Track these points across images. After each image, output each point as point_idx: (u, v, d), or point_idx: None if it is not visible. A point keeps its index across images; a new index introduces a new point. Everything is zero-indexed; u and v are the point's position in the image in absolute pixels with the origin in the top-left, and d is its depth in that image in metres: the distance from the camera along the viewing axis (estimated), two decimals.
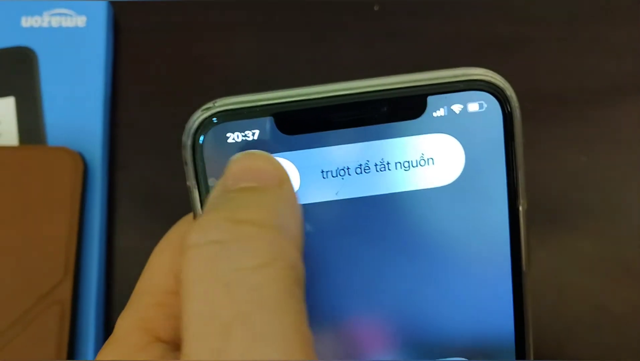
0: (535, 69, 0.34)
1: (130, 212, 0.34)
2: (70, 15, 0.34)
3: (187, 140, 0.17)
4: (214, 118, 0.17)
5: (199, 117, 0.17)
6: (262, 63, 0.36)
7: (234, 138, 0.17)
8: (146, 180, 0.35)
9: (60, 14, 0.34)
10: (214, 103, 0.17)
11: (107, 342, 0.18)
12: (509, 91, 0.17)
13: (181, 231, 0.19)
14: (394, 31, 0.36)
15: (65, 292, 0.28)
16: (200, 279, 0.14)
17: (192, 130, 0.17)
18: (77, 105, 0.33)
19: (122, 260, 0.33)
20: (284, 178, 0.16)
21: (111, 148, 0.35)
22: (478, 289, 0.18)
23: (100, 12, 0.34)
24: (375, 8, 0.36)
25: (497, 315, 0.18)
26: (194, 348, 0.13)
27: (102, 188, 0.33)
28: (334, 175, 0.17)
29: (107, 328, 0.32)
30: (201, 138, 0.17)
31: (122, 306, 0.34)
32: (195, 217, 0.17)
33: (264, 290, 0.13)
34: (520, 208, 0.17)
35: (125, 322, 0.19)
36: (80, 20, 0.34)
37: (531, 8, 0.35)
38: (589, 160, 0.33)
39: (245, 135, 0.17)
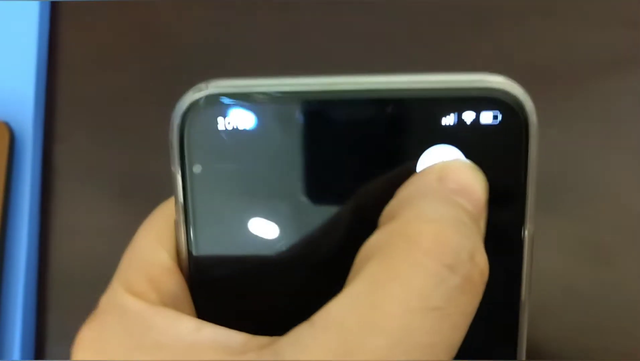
0: (514, 42, 0.32)
1: (71, 188, 0.32)
2: None
3: (175, 121, 0.16)
4: (206, 101, 0.15)
5: (189, 97, 0.16)
6: (215, 31, 0.33)
7: (224, 125, 0.16)
8: (89, 153, 0.32)
9: None
10: (206, 85, 0.16)
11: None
12: (529, 105, 0.15)
13: (167, 216, 0.17)
14: (372, 1, 0.33)
15: None
16: (414, 286, 0.13)
17: (182, 112, 0.16)
18: (5, 72, 0.30)
19: (61, 238, 0.31)
20: None
21: (49, 119, 0.32)
22: None
23: None
24: None
25: (490, 339, 0.17)
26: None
27: (35, 162, 0.30)
28: None
29: (39, 322, 0.29)
30: (190, 120, 0.16)
31: (61, 290, 0.32)
32: (176, 204, 0.16)
33: (454, 336, 0.13)
34: (527, 233, 0.16)
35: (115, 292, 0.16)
36: None
37: None
38: (563, 137, 0.31)
39: (237, 123, 0.16)
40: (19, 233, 0.29)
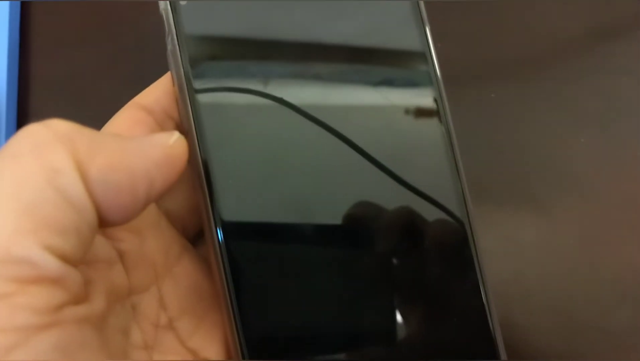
0: (472, 28, 0.33)
1: None
2: None
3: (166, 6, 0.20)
4: None
5: None
6: None
7: None
8: None
9: None
10: None
11: None
12: None
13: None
14: None
15: None
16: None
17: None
18: None
19: None
20: None
21: (21, 98, 0.33)
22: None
23: None
24: None
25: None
26: None
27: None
28: None
29: None
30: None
31: None
32: (169, 36, 0.20)
33: None
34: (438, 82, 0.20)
35: None
36: None
37: None
38: (515, 122, 0.32)
39: None
40: None
